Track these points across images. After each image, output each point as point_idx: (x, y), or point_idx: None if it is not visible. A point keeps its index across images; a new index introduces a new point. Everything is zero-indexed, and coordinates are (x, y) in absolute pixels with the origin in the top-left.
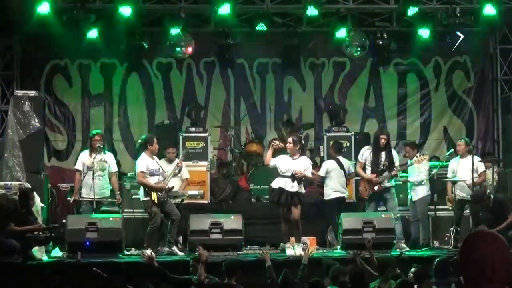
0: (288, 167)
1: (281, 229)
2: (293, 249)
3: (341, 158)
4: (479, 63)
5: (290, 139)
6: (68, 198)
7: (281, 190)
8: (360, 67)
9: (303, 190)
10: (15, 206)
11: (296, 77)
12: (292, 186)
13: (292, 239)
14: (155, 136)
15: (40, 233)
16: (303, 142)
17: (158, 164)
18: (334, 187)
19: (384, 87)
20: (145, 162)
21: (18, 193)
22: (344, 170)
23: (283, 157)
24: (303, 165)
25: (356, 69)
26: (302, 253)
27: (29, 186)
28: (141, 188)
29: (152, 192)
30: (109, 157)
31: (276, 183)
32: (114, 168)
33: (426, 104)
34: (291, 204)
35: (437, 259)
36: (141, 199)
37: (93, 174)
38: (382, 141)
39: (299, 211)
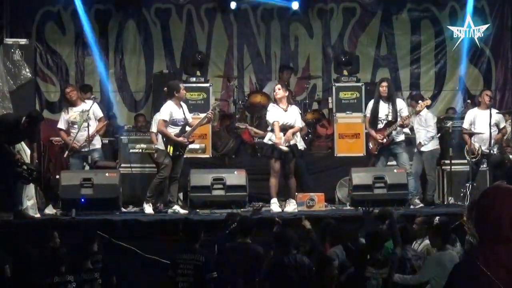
0: (283, 121)
1: (270, 183)
2: (279, 206)
3: None
4: (497, 8)
5: (278, 86)
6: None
7: (273, 146)
8: (371, 13)
9: (300, 144)
10: (15, 123)
11: (303, 23)
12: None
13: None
14: (180, 82)
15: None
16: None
17: (184, 113)
18: None
19: (396, 35)
20: (169, 110)
21: (26, 115)
22: None
23: (275, 109)
24: (294, 116)
25: (367, 16)
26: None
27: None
28: (159, 136)
29: (169, 145)
30: (87, 105)
31: (268, 138)
32: (99, 113)
33: (441, 52)
34: (286, 158)
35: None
36: (154, 147)
37: (79, 128)
38: (382, 89)
39: (292, 165)
